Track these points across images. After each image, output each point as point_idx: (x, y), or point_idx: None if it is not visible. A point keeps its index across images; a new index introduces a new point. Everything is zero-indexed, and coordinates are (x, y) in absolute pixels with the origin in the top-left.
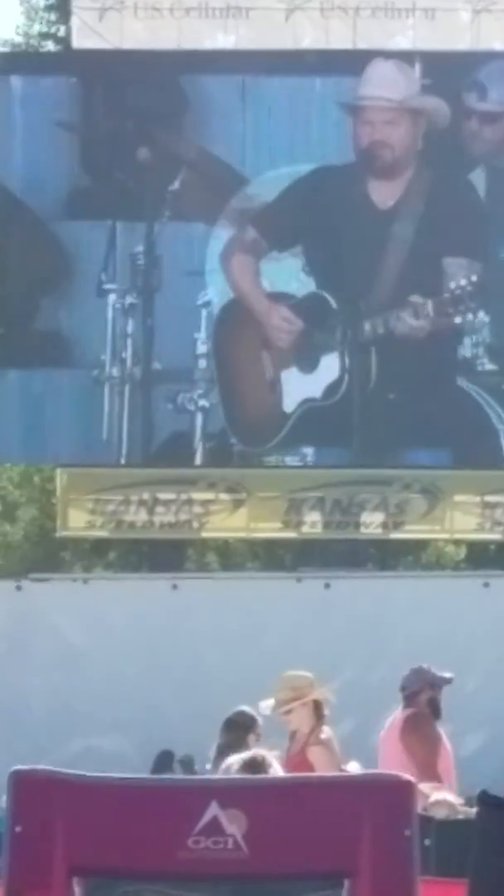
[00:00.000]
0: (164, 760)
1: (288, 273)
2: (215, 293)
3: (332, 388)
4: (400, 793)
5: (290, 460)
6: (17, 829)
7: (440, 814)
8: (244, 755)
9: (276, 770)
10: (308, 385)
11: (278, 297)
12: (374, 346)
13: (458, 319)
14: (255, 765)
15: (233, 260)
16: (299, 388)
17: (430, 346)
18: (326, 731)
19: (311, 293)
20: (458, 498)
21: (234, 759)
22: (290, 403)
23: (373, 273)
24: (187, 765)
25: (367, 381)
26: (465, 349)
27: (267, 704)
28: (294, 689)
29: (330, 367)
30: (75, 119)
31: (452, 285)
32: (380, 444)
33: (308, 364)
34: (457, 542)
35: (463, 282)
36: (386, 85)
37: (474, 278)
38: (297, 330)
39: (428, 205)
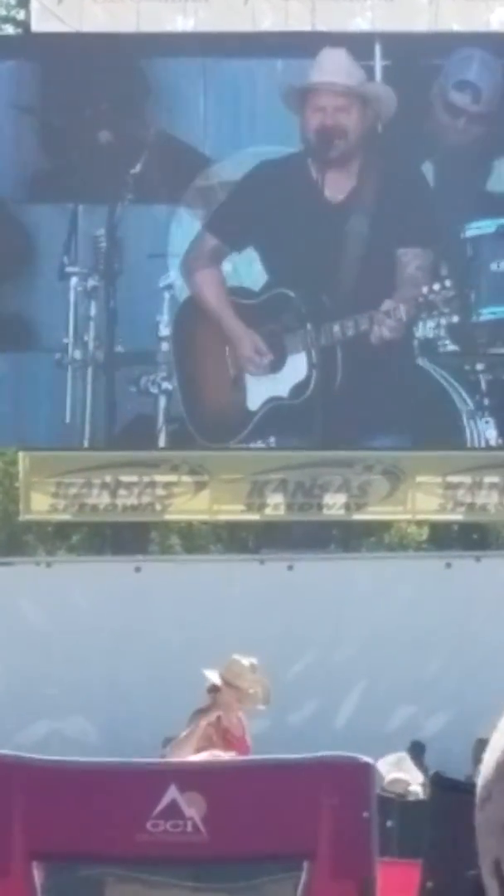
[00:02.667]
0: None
1: (247, 267)
2: (177, 278)
3: (299, 388)
4: (358, 775)
5: (253, 444)
6: None
7: (397, 789)
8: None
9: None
10: (274, 384)
11: (239, 294)
12: (340, 346)
13: (430, 323)
14: None
15: (197, 275)
16: (265, 386)
17: (397, 343)
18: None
19: (276, 293)
20: (421, 479)
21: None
22: (255, 401)
23: (333, 270)
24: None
25: (334, 379)
26: (427, 331)
27: (212, 675)
28: (235, 673)
29: (297, 366)
30: (35, 102)
31: (425, 290)
32: (343, 428)
33: (274, 363)
34: (419, 523)
35: (436, 286)
36: (337, 71)
37: (448, 283)
38: (266, 362)
39: (379, 196)
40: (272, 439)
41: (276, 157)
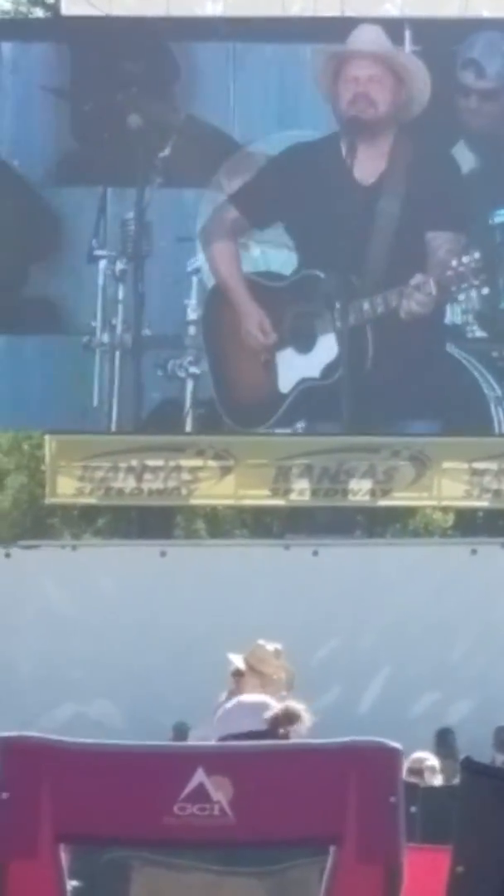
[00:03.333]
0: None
1: (274, 254)
2: (204, 261)
3: (330, 368)
4: (385, 760)
5: (280, 428)
6: (4, 795)
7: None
8: (278, 709)
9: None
10: (305, 365)
11: (266, 280)
12: (370, 325)
13: (461, 297)
14: (289, 717)
15: (213, 247)
16: (297, 368)
17: (425, 323)
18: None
19: (306, 274)
20: (447, 465)
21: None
22: (286, 383)
23: (362, 250)
24: (180, 731)
25: (365, 359)
26: (456, 317)
27: (236, 659)
28: (259, 658)
29: (327, 347)
30: (65, 85)
31: (454, 262)
32: (371, 414)
33: (305, 344)
34: (445, 510)
35: (465, 258)
36: (371, 41)
37: (477, 255)
38: (269, 343)
39: (411, 179)
40: (303, 422)
41: (308, 140)
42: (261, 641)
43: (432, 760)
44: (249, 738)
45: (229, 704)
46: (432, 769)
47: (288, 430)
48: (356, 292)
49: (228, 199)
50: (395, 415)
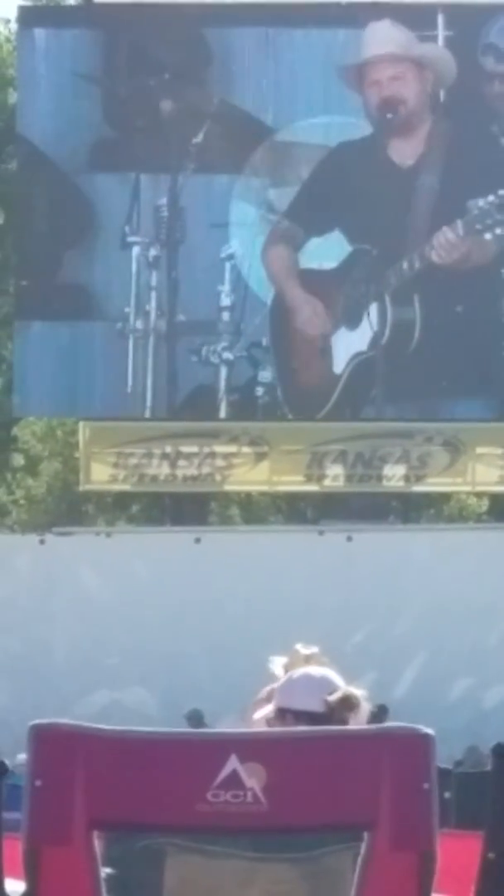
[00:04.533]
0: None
1: (329, 247)
2: (238, 247)
3: (377, 337)
4: (418, 746)
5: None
6: (38, 782)
7: None
8: (338, 694)
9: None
10: (355, 340)
11: (317, 275)
12: (412, 283)
13: (487, 235)
14: (349, 704)
15: (270, 252)
16: (347, 346)
17: (468, 261)
18: None
19: (352, 251)
20: (481, 450)
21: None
22: (339, 364)
23: (403, 224)
24: (195, 719)
25: (413, 326)
26: None
27: (279, 663)
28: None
29: (373, 316)
30: (98, 72)
31: (480, 202)
32: (401, 400)
33: (353, 320)
34: (479, 495)
35: (491, 197)
36: (385, 42)
37: (501, 192)
38: (326, 328)
39: (449, 157)
40: (368, 407)
41: (351, 139)
42: (298, 646)
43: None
44: (307, 717)
45: (296, 674)
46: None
47: (348, 413)
48: (397, 256)
49: (282, 215)
50: (418, 398)
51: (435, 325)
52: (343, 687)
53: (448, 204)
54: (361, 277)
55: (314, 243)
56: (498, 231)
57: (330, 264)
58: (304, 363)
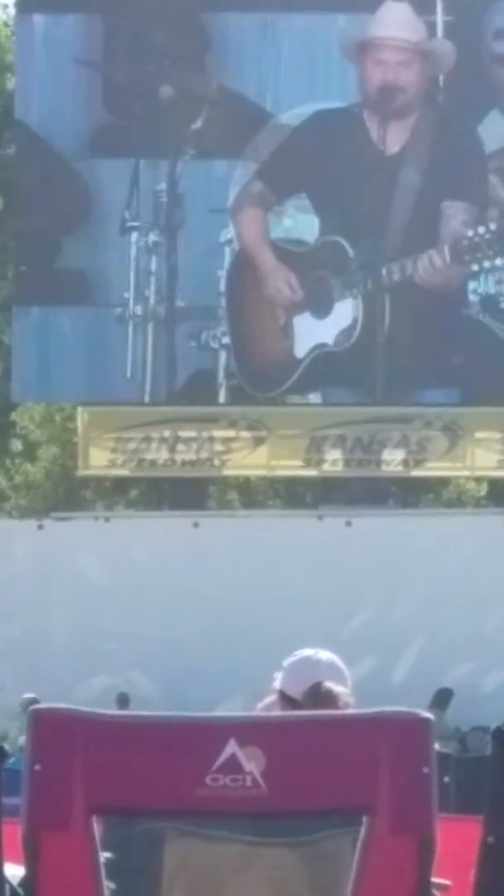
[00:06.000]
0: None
1: (299, 221)
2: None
3: (345, 334)
4: (417, 730)
5: (314, 398)
6: (37, 767)
7: None
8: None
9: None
10: (320, 330)
11: (291, 246)
12: (388, 292)
13: (474, 267)
14: (325, 698)
15: (239, 216)
16: (312, 333)
17: (448, 286)
18: None
19: (327, 240)
20: (479, 435)
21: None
22: (301, 348)
23: (382, 218)
24: (122, 703)
25: (382, 324)
26: (489, 286)
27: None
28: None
29: (343, 312)
30: (97, 57)
31: (470, 233)
32: (398, 384)
33: (321, 310)
34: (478, 480)
35: (481, 229)
36: (400, 26)
37: (493, 226)
38: (297, 299)
39: (432, 149)
40: (320, 391)
41: (331, 108)
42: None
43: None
44: (288, 701)
45: (295, 657)
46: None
47: (310, 396)
48: (374, 259)
49: (255, 174)
50: (423, 381)
51: (406, 322)
52: (326, 680)
53: (426, 204)
54: (333, 271)
55: (287, 221)
56: (486, 265)
57: (301, 247)
58: (263, 335)
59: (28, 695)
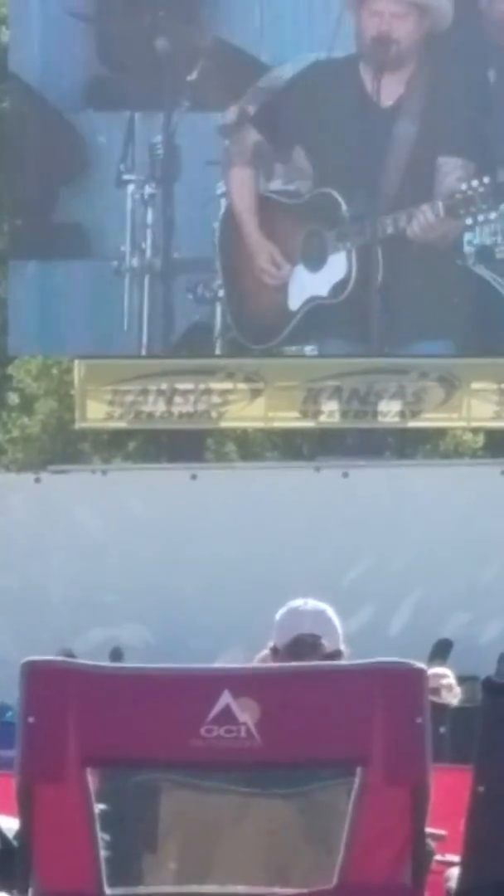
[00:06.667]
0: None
1: (293, 173)
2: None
3: (338, 287)
4: (411, 681)
5: (309, 350)
6: (30, 719)
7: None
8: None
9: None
10: (315, 283)
11: (284, 198)
12: (381, 245)
13: (468, 220)
14: (301, 647)
15: (232, 171)
16: (306, 286)
17: (443, 240)
18: None
19: (321, 192)
20: (476, 386)
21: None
22: (295, 301)
23: (376, 172)
24: (116, 657)
25: (376, 276)
26: (485, 237)
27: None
28: None
29: (337, 265)
30: (92, 10)
31: (464, 186)
32: (393, 336)
33: (315, 263)
34: (475, 431)
35: (475, 183)
36: None
37: (486, 179)
38: (282, 277)
39: (427, 103)
40: (315, 343)
41: (327, 59)
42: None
43: (449, 678)
44: (272, 651)
45: (285, 608)
46: (449, 687)
47: (305, 348)
48: (368, 212)
49: (249, 122)
50: (418, 332)
51: (400, 273)
52: (309, 630)
53: (421, 158)
54: (327, 223)
55: (281, 173)
56: (480, 218)
57: (295, 200)
58: (257, 287)
59: (64, 648)
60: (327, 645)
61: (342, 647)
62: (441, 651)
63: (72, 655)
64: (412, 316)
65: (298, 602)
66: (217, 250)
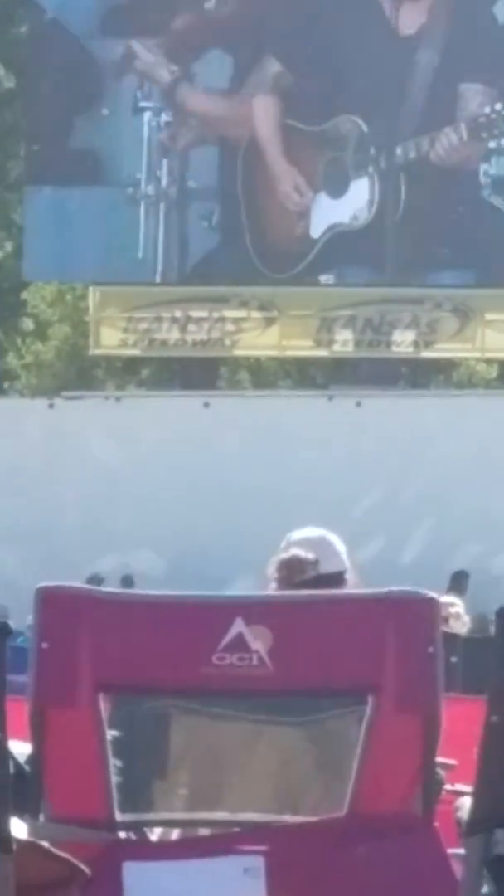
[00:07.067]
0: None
1: (314, 101)
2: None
3: (361, 213)
4: (423, 610)
5: (325, 279)
6: (44, 645)
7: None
8: (284, 555)
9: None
10: (336, 210)
11: (306, 126)
12: (404, 171)
13: (491, 144)
14: (292, 566)
15: (255, 100)
16: (327, 213)
17: (462, 168)
18: None
19: (341, 119)
20: (490, 317)
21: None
22: (317, 229)
23: (398, 98)
24: (126, 584)
25: (397, 203)
26: (501, 168)
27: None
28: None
29: (359, 191)
30: None
31: (487, 110)
32: (411, 265)
33: (337, 189)
34: (488, 361)
35: (498, 106)
36: None
37: None
38: (304, 203)
39: (449, 31)
40: (333, 272)
41: None
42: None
43: (458, 606)
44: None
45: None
46: (457, 616)
47: (326, 276)
48: (390, 138)
49: (270, 54)
50: (434, 262)
51: (421, 203)
52: (296, 550)
53: (442, 84)
54: (348, 150)
55: (302, 101)
56: (503, 141)
57: (316, 127)
58: (278, 215)
59: (93, 573)
60: (323, 566)
61: (348, 574)
62: (458, 582)
63: (100, 580)
64: (430, 245)
65: (296, 532)
66: (239, 178)
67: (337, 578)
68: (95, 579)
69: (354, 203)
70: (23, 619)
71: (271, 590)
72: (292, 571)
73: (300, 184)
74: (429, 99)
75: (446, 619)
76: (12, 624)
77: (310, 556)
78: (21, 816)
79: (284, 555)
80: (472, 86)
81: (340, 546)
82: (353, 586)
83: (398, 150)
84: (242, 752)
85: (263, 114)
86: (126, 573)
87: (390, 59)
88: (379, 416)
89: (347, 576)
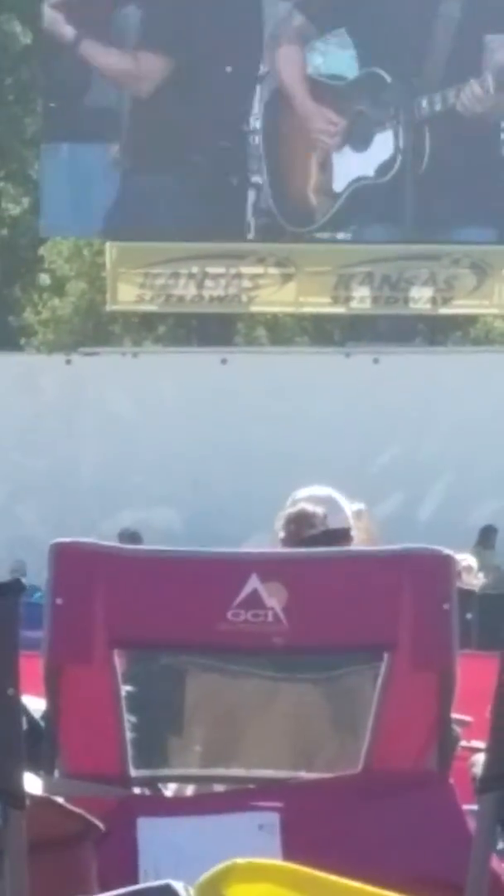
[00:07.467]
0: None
1: (338, 54)
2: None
3: (385, 166)
4: (438, 567)
5: (342, 235)
6: (58, 601)
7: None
8: (292, 509)
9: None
10: (360, 163)
11: (330, 80)
12: (428, 125)
13: None
14: (300, 520)
15: (278, 52)
16: (351, 166)
17: (485, 124)
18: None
19: (367, 72)
20: None
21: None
22: (340, 182)
23: (423, 51)
24: (134, 540)
25: (421, 156)
26: None
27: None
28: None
29: (383, 144)
30: None
31: None
32: (430, 221)
33: (361, 143)
34: None
35: None
36: None
37: None
38: (339, 131)
39: None
40: (352, 228)
41: None
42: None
43: (470, 560)
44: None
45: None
46: (469, 569)
47: (341, 233)
48: (415, 91)
49: (294, 7)
50: (454, 218)
51: (444, 158)
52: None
53: (467, 37)
54: (373, 103)
55: (326, 54)
56: None
57: (341, 81)
58: (302, 169)
59: (126, 528)
60: (331, 521)
61: (353, 531)
62: (486, 537)
63: (137, 536)
64: (451, 200)
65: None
66: (259, 134)
67: (344, 534)
68: (126, 534)
69: (378, 156)
70: (41, 574)
71: (279, 545)
72: (301, 526)
73: (332, 117)
74: (454, 51)
75: (459, 574)
76: (30, 579)
77: (318, 510)
78: (35, 772)
79: (292, 510)
80: (497, 37)
81: (346, 504)
82: (358, 544)
83: (423, 103)
84: (257, 708)
85: (288, 63)
86: (133, 530)
87: (414, 10)
88: (396, 373)
89: (353, 533)
